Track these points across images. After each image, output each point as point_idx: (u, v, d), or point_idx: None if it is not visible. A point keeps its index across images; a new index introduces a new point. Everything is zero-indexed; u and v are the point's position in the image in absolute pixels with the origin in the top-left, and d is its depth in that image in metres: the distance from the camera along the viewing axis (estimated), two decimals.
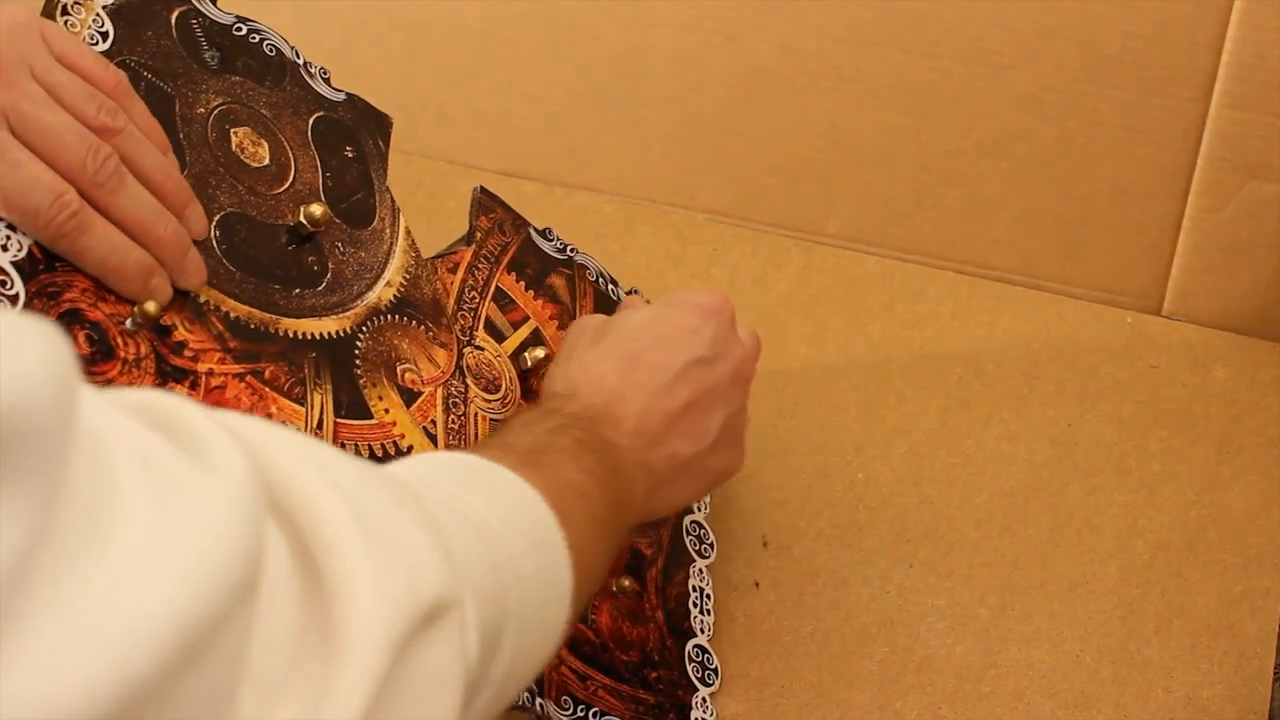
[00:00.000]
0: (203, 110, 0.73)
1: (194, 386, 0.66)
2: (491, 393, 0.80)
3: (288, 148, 0.76)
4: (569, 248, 0.89)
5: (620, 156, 1.06)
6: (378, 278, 0.77)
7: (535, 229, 0.87)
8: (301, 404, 0.70)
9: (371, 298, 0.76)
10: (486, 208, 0.85)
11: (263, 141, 0.75)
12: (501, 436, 0.68)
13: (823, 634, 0.85)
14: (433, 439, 0.75)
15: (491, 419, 0.79)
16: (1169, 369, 0.97)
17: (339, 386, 0.72)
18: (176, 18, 0.74)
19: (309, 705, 0.44)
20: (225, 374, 0.68)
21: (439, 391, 0.77)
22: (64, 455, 0.38)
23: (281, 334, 0.71)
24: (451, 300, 0.81)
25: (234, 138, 0.74)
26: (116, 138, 0.65)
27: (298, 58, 0.79)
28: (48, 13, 0.69)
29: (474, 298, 0.82)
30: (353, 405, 0.72)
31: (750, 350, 0.79)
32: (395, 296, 0.77)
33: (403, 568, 0.47)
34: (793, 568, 0.87)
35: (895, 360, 0.98)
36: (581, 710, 0.73)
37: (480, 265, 0.83)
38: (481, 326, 0.82)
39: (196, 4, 0.75)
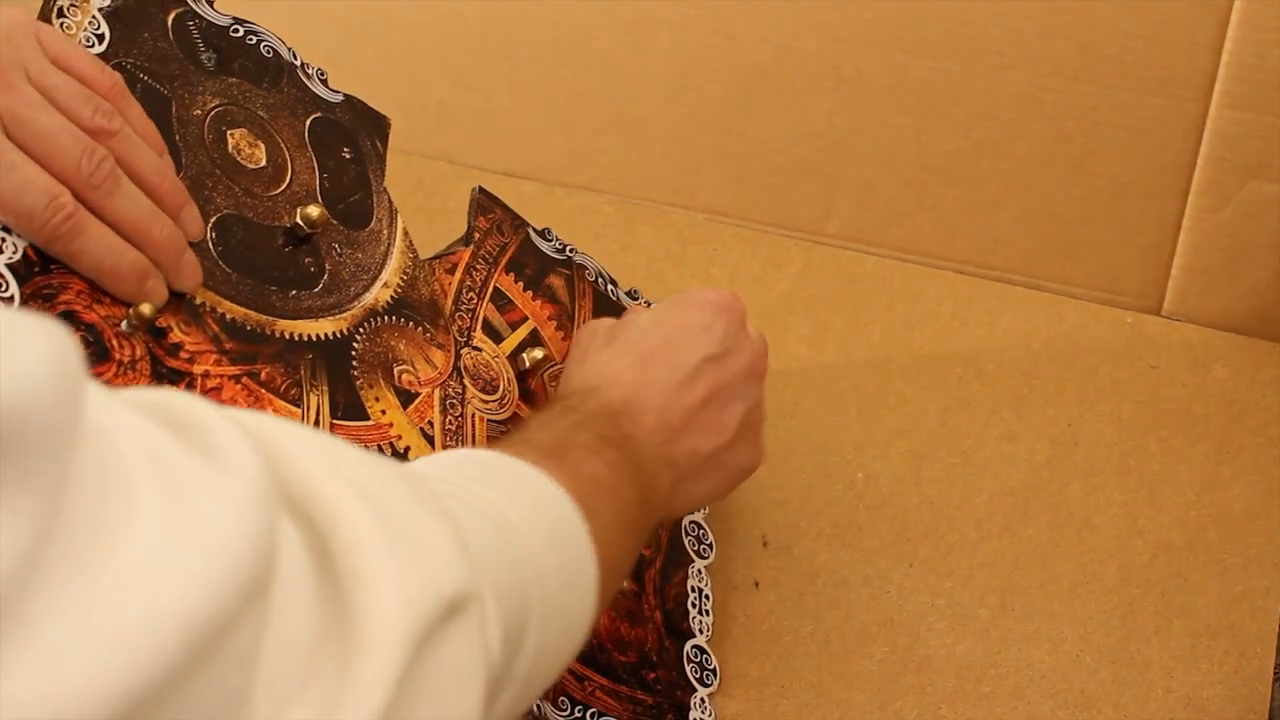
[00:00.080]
0: (199, 112, 0.73)
1: (190, 388, 0.66)
2: (489, 394, 0.80)
3: (285, 149, 0.76)
4: (568, 248, 0.88)
5: (620, 156, 1.06)
6: (375, 279, 0.77)
7: (534, 229, 0.87)
8: (297, 405, 0.70)
9: (369, 299, 0.76)
10: (485, 208, 0.85)
11: (259, 143, 0.75)
12: (521, 433, 0.68)
13: (823, 634, 0.85)
14: (430, 440, 0.75)
15: (489, 420, 0.79)
16: (1169, 369, 0.97)
17: (335, 388, 0.72)
18: (173, 19, 0.74)
19: (327, 703, 0.43)
20: (221, 376, 0.68)
21: (436, 393, 0.77)
22: (69, 453, 0.37)
23: (278, 335, 0.71)
24: (449, 301, 0.80)
25: (231, 139, 0.74)
26: (112, 140, 0.65)
27: (295, 59, 0.79)
28: (44, 15, 0.69)
29: (472, 298, 0.82)
30: (349, 407, 0.72)
31: (761, 347, 0.79)
32: (392, 298, 0.77)
33: (421, 564, 0.47)
34: (793, 568, 0.87)
35: (895, 360, 0.98)
36: (579, 711, 0.73)
37: (478, 266, 0.83)
38: (479, 327, 0.81)
39: (193, 5, 0.75)
